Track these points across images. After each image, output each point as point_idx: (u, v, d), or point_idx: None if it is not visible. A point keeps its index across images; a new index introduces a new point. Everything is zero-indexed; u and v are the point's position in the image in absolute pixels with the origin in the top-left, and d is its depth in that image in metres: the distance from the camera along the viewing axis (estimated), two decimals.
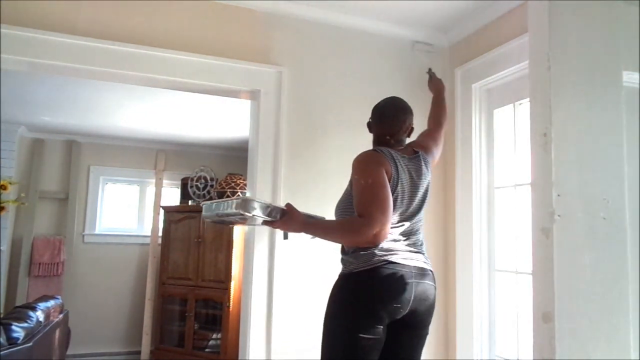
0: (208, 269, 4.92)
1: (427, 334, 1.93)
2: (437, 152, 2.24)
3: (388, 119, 2.02)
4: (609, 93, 2.05)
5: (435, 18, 2.91)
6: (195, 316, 4.98)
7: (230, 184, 4.94)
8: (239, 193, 4.88)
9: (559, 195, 1.92)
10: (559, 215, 1.91)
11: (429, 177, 2.03)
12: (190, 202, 5.34)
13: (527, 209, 2.21)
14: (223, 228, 4.82)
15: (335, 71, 2.86)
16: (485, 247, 2.77)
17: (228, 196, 4.86)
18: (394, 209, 1.80)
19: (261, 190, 2.64)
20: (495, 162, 2.79)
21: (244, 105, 3.14)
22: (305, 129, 2.77)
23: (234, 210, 1.70)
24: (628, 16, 2.17)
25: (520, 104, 2.67)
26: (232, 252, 4.75)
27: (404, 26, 2.98)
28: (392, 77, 2.97)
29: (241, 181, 4.95)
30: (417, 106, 2.99)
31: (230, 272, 4.72)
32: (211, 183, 5.33)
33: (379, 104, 2.10)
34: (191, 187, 5.39)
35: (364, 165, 1.83)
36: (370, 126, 2.09)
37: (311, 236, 1.86)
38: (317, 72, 2.83)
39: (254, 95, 2.76)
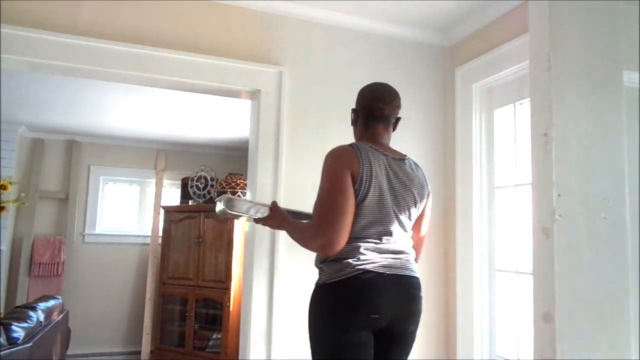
0: (208, 268, 4.92)
1: (412, 341, 1.80)
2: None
3: (376, 115, 1.83)
4: (609, 93, 2.05)
5: (435, 18, 2.91)
6: (196, 316, 4.98)
7: (231, 183, 4.94)
8: (239, 193, 4.88)
9: (559, 195, 1.92)
10: (559, 215, 1.91)
11: (426, 189, 1.86)
12: (190, 202, 5.33)
13: (528, 209, 2.21)
14: (223, 227, 4.84)
15: (335, 71, 2.86)
16: (485, 247, 2.77)
17: None
18: (367, 209, 1.67)
19: (261, 190, 2.64)
20: (496, 162, 2.79)
21: (244, 105, 3.14)
22: (306, 128, 2.77)
23: (224, 208, 1.77)
24: (628, 16, 2.17)
25: (520, 104, 2.67)
26: (232, 252, 4.75)
27: (404, 26, 2.98)
28: (392, 77, 2.96)
29: (241, 181, 4.95)
30: (417, 106, 3.01)
31: (231, 272, 4.72)
32: (211, 183, 5.33)
33: (373, 88, 1.90)
34: (191, 187, 5.38)
35: (328, 163, 1.72)
36: (354, 115, 1.90)
37: None
38: (317, 72, 2.83)
39: (254, 95, 2.76)
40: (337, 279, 1.65)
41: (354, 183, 1.66)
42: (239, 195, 4.87)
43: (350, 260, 1.65)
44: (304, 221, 1.89)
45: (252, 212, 1.83)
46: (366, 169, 1.68)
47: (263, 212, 1.84)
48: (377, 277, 1.65)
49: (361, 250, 1.67)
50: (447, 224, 3.00)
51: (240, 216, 1.87)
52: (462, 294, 2.82)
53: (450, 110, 3.04)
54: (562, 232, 1.91)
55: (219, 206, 1.80)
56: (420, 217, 1.90)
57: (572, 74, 2.01)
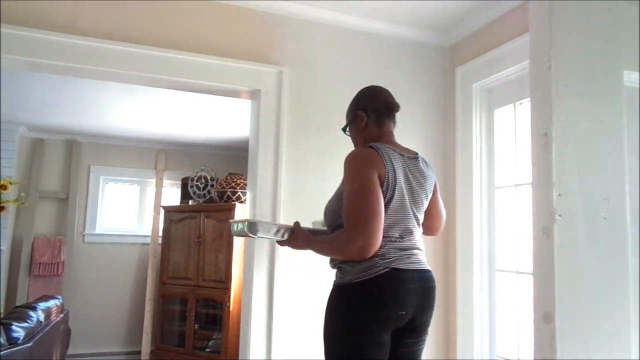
0: (208, 268, 4.92)
1: (427, 332, 1.83)
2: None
3: (393, 110, 1.86)
4: (609, 93, 2.05)
5: (435, 18, 2.91)
6: (196, 316, 4.98)
7: (231, 183, 4.94)
8: (239, 193, 4.88)
9: (559, 195, 1.92)
10: (559, 215, 1.91)
11: (433, 183, 1.88)
12: (190, 202, 5.33)
13: (528, 209, 2.21)
14: (223, 227, 4.84)
15: (335, 71, 2.86)
16: (485, 247, 2.77)
17: (228, 196, 4.89)
18: (391, 210, 1.69)
19: (261, 189, 2.64)
20: (496, 162, 2.79)
21: (244, 105, 3.14)
22: (306, 128, 2.77)
23: (245, 230, 1.75)
24: (628, 16, 2.17)
25: (520, 104, 2.67)
26: (232, 252, 4.75)
27: (404, 26, 2.98)
28: (392, 77, 2.96)
29: (241, 181, 4.95)
30: (417, 106, 3.01)
31: (231, 272, 4.72)
32: (211, 183, 5.32)
33: (374, 89, 1.91)
34: (191, 186, 5.38)
35: (353, 165, 1.69)
36: (361, 119, 1.86)
37: None
38: (317, 72, 2.83)
39: (254, 95, 2.76)
40: (365, 278, 1.64)
41: (380, 185, 1.66)
42: (239, 195, 4.87)
43: (377, 259, 1.65)
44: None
45: (274, 235, 1.79)
46: (390, 171, 1.69)
47: (285, 234, 1.79)
48: (403, 274, 1.68)
49: (386, 249, 1.68)
50: (447, 224, 2.98)
51: (261, 238, 1.84)
52: (462, 294, 2.82)
53: (450, 110, 3.04)
54: (562, 232, 1.91)
55: (237, 227, 1.77)
56: (434, 205, 1.94)
57: (572, 74, 2.01)
